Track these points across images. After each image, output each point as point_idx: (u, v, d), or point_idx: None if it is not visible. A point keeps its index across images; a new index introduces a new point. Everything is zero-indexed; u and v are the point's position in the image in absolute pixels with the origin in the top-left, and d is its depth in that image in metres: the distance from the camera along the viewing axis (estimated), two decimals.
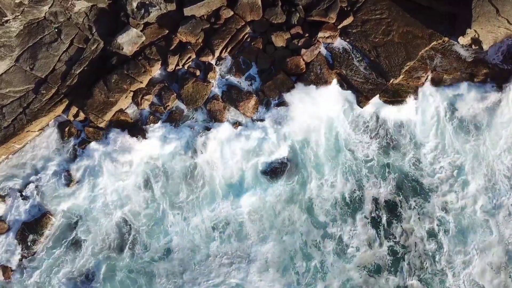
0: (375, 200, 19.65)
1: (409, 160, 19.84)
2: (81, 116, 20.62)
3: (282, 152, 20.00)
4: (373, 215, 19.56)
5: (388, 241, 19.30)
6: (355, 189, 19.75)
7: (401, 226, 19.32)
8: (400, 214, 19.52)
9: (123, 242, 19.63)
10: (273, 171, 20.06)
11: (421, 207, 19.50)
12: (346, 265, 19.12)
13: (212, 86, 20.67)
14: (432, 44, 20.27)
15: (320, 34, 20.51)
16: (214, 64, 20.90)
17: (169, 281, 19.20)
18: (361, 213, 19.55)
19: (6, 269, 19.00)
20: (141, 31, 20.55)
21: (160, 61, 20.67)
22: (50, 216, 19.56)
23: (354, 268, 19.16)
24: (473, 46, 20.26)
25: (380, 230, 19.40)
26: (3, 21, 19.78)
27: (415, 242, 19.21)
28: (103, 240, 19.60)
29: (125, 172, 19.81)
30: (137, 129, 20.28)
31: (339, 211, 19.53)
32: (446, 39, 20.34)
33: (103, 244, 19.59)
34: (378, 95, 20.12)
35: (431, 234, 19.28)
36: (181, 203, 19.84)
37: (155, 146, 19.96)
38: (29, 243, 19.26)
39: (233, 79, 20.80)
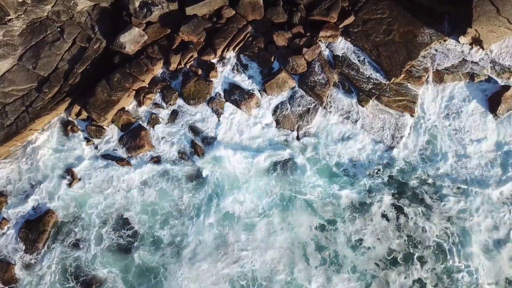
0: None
1: None
2: (84, 114, 20.67)
3: None
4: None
5: None
6: None
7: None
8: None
9: None
10: None
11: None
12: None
13: (214, 85, 20.76)
14: (433, 43, 20.37)
15: (322, 34, 20.63)
16: (216, 63, 20.99)
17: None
18: None
19: (9, 266, 19.03)
20: (143, 30, 20.66)
21: (162, 60, 20.77)
22: (52, 214, 19.61)
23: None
24: (474, 46, 20.36)
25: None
26: (6, 20, 19.89)
27: None
28: None
29: None
30: None
31: None
32: (447, 38, 20.44)
33: None
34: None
35: None
36: None
37: None
38: (31, 241, 19.36)
39: (235, 78, 20.88)
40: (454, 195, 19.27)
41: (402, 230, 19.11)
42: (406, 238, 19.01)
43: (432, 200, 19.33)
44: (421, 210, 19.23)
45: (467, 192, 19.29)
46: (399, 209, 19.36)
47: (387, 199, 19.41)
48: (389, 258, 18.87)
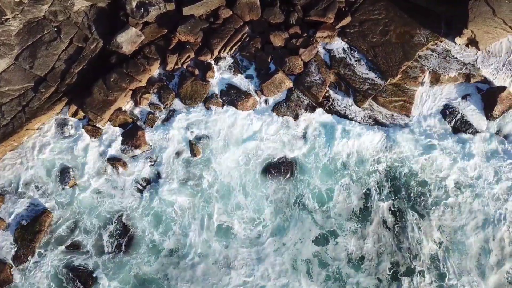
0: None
1: None
2: (80, 114, 20.66)
3: None
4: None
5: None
6: None
7: None
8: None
9: None
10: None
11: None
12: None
13: (211, 85, 20.77)
14: (429, 44, 20.44)
15: (318, 34, 20.67)
16: (213, 63, 21.01)
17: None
18: None
19: (4, 266, 18.98)
20: (140, 30, 20.67)
21: (159, 60, 20.78)
22: (49, 214, 19.57)
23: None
24: (470, 47, 20.44)
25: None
26: (3, 19, 19.89)
27: None
28: None
29: None
30: None
31: None
32: (443, 39, 20.52)
33: None
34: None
35: None
36: None
37: None
38: (27, 240, 19.30)
39: (232, 78, 20.90)
40: (448, 202, 19.21)
41: (402, 242, 18.96)
42: (406, 250, 18.87)
43: (426, 206, 19.20)
44: (415, 218, 19.09)
45: (462, 197, 19.27)
46: (397, 216, 19.22)
47: (385, 203, 19.35)
48: (390, 273, 18.67)
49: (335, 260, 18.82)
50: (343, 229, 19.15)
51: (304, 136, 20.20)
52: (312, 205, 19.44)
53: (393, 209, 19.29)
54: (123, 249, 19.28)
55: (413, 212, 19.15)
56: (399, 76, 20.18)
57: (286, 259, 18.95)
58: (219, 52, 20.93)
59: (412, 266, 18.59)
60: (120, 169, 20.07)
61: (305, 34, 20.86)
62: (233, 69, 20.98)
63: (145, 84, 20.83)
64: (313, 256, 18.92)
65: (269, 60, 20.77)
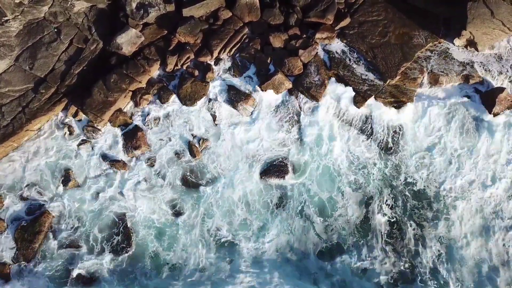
0: None
1: None
2: (80, 115, 20.70)
3: None
4: None
5: None
6: None
7: None
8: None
9: None
10: None
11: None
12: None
13: (210, 86, 20.81)
14: (428, 45, 20.51)
15: (318, 35, 20.75)
16: (212, 64, 21.06)
17: None
18: None
19: (4, 267, 19.00)
20: (140, 31, 20.71)
21: (159, 61, 20.83)
22: (48, 215, 19.59)
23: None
24: (469, 48, 20.52)
25: None
26: (3, 20, 19.93)
27: None
28: None
29: None
30: None
31: None
32: (442, 40, 20.61)
33: None
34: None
35: None
36: None
37: None
38: (27, 241, 19.31)
39: (231, 79, 20.95)
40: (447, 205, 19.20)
41: (403, 256, 18.94)
42: (406, 260, 18.83)
43: (423, 218, 19.18)
44: (414, 229, 19.07)
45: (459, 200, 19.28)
46: (396, 225, 19.21)
47: (384, 210, 19.38)
48: (392, 282, 18.59)
49: (339, 270, 18.82)
50: (346, 241, 19.11)
51: (302, 139, 20.29)
52: (314, 215, 19.38)
53: (392, 218, 19.32)
54: (124, 254, 19.23)
55: (411, 222, 19.18)
56: (398, 77, 20.24)
57: (290, 271, 18.91)
58: (219, 53, 20.98)
59: (413, 275, 18.58)
60: (120, 170, 20.11)
61: (304, 35, 20.92)
62: (232, 70, 21.03)
63: (145, 85, 20.88)
64: (318, 269, 18.85)
65: (268, 61, 20.84)
